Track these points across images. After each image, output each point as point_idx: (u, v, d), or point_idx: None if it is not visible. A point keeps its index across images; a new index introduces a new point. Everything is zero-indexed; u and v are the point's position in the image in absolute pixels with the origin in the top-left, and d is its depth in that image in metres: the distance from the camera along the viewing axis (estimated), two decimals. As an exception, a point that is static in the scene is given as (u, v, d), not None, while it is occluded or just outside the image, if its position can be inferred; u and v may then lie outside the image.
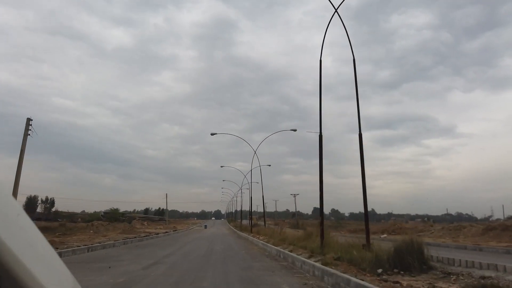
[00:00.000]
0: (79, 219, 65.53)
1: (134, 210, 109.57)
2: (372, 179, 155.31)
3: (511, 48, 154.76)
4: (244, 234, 35.00)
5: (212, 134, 37.98)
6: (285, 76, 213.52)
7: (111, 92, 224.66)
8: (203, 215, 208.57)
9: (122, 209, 72.81)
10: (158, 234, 37.00)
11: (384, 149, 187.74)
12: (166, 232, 43.99)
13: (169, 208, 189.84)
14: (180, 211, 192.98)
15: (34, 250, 0.60)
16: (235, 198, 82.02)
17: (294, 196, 73.34)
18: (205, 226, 64.93)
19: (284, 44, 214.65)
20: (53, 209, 78.95)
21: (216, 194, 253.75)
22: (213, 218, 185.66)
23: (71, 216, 70.76)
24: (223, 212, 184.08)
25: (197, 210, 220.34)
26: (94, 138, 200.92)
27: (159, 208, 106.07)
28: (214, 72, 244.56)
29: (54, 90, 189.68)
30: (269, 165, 44.55)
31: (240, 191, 62.88)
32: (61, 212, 76.23)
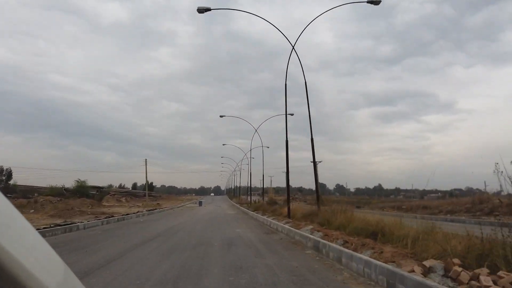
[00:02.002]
0: (36, 193, 49.59)
1: (120, 184, 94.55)
2: (371, 155, 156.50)
3: None
4: (273, 221, 18.59)
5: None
6: (284, 51, 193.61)
7: (108, 69, 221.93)
8: (202, 191, 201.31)
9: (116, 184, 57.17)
10: (118, 216, 20.87)
11: (384, 125, 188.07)
12: (138, 212, 27.91)
13: (167, 184, 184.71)
14: (178, 187, 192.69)
15: (21, 239, 0.57)
16: (235, 172, 75.53)
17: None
18: (200, 203, 49.03)
19: (283, 18, 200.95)
20: (10, 182, 62.61)
21: (216, 171, 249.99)
22: (212, 194, 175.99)
23: (29, 191, 54.95)
24: (222, 188, 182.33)
25: (197, 186, 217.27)
26: (93, 115, 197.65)
27: (148, 181, 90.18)
28: (213, 48, 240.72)
29: (51, 67, 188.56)
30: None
31: (240, 166, 60.74)
32: (18, 185, 60.01)
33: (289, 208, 16.57)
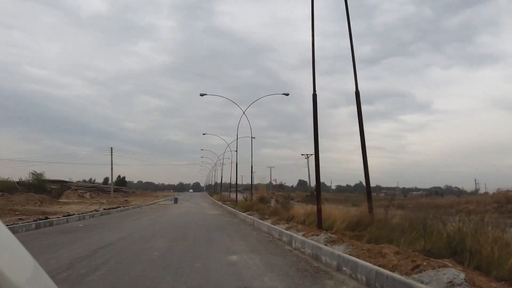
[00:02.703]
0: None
1: (91, 179, 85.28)
2: (350, 153, 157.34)
3: (490, 25, 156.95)
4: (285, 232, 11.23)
5: (201, 95, 35.49)
6: (267, 49, 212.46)
7: (87, 62, 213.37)
8: (181, 188, 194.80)
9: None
10: (53, 219, 13.27)
11: (363, 124, 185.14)
12: (94, 212, 20.18)
13: (145, 180, 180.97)
14: (156, 183, 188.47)
15: None
16: (216, 167, 73.22)
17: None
18: (175, 200, 41.19)
19: (267, 16, 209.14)
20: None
21: (195, 167, 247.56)
22: (191, 191, 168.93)
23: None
24: (202, 184, 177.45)
25: (175, 182, 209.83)
26: (70, 109, 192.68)
27: (119, 176, 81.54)
28: (195, 44, 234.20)
29: (27, 58, 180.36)
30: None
31: (221, 159, 57.26)
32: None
33: (320, 213, 9.37)
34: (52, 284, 0.68)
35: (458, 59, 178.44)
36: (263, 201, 24.84)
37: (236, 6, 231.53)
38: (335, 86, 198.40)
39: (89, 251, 7.81)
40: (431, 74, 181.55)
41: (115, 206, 30.25)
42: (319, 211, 9.42)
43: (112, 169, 36.67)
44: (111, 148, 37.80)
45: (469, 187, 66.21)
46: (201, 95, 34.63)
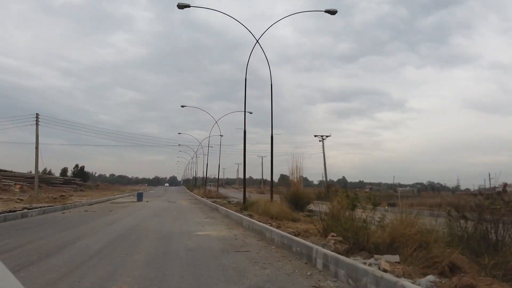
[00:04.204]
0: None
1: (45, 170, 70.63)
2: (327, 149, 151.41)
3: (463, 27, 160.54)
4: None
5: (182, 106, 39.93)
6: (245, 44, 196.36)
7: (60, 52, 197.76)
8: (156, 181, 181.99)
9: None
10: None
11: (339, 121, 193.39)
12: None
13: (117, 174, 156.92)
14: (130, 176, 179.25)
15: None
16: (197, 158, 68.15)
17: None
18: (139, 197, 27.44)
19: (245, 10, 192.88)
20: None
21: (172, 162, 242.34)
22: (166, 185, 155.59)
23: None
24: (179, 179, 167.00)
25: (151, 176, 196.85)
26: (41, 100, 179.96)
27: (77, 166, 67.23)
28: (172, 37, 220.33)
29: None
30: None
31: (198, 155, 59.19)
32: None
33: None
34: (17, 283, 0.65)
35: (431, 59, 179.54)
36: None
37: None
38: (313, 83, 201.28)
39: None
40: (405, 73, 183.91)
41: (31, 206, 17.17)
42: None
43: (38, 148, 23.07)
44: (37, 115, 24.20)
45: (448, 184, 66.04)
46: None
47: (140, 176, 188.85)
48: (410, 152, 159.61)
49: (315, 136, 39.12)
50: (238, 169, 79.27)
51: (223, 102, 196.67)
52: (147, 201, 26.52)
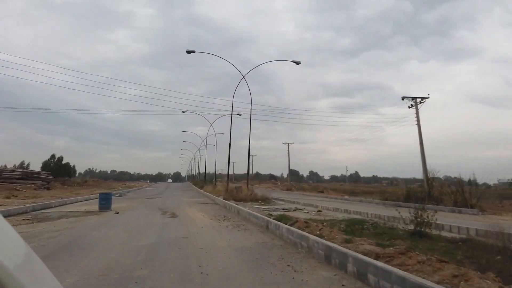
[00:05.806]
0: None
1: (23, 163, 57.48)
2: (330, 145, 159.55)
3: (466, 20, 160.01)
4: None
5: (183, 112, 39.92)
6: (246, 40, 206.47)
7: (62, 49, 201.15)
8: (160, 178, 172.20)
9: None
10: None
11: (342, 116, 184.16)
12: None
13: (119, 170, 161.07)
14: (132, 172, 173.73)
15: (10, 248, 0.58)
16: (198, 154, 66.79)
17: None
18: (103, 203, 14.04)
19: (245, 6, 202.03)
20: None
21: (176, 158, 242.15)
22: (169, 181, 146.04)
23: None
24: (183, 174, 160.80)
25: (154, 172, 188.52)
26: (45, 97, 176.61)
27: (54, 157, 53.67)
28: (173, 33, 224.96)
29: None
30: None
31: (205, 146, 49.77)
32: None
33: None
34: (45, 268, 0.63)
35: (435, 53, 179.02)
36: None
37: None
38: (315, 78, 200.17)
39: None
40: (408, 67, 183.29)
41: None
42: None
43: None
44: None
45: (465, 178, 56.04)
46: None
47: (143, 173, 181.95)
48: (415, 146, 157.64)
49: (403, 98, 24.77)
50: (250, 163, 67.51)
51: (225, 97, 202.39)
52: (116, 213, 12.76)
